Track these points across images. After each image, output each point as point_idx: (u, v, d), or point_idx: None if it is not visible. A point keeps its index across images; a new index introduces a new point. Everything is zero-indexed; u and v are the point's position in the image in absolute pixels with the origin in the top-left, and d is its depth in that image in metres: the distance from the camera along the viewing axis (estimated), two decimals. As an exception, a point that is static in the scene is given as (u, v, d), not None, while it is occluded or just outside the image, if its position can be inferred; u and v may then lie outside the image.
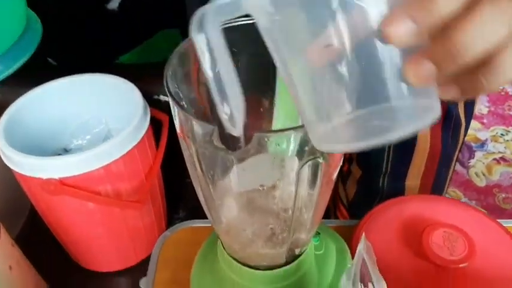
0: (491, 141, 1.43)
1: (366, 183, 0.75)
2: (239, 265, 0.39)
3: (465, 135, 0.75)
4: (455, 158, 0.75)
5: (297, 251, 0.38)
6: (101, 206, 0.69)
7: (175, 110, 0.31)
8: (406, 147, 0.70)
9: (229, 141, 0.39)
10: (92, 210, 0.70)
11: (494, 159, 1.37)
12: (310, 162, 0.30)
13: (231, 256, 0.39)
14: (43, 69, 0.89)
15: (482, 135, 1.46)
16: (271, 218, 0.37)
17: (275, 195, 0.38)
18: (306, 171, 0.32)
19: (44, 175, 0.63)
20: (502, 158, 1.37)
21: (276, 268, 0.38)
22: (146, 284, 0.53)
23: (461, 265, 0.47)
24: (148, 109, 0.71)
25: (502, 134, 1.45)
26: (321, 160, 0.30)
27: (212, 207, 0.38)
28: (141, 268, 0.82)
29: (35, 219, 0.81)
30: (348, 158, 0.77)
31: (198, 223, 0.59)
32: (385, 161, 0.71)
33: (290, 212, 0.34)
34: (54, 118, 0.78)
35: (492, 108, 1.53)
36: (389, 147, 0.70)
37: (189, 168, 0.37)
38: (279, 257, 0.37)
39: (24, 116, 0.74)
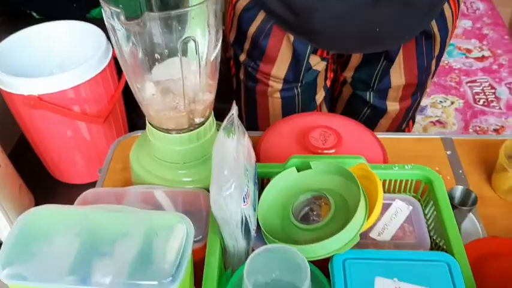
0: (431, 107, 1.61)
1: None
2: (157, 131, 0.56)
3: (442, 48, 0.79)
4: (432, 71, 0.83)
5: (196, 120, 0.56)
6: (71, 120, 0.86)
7: (107, 11, 0.48)
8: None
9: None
10: (64, 126, 0.88)
11: (431, 121, 1.55)
12: (187, 40, 0.47)
13: (151, 124, 0.56)
14: (27, 19, 1.06)
15: (423, 102, 1.64)
16: (177, 96, 0.55)
17: (181, 84, 0.55)
18: (186, 47, 0.49)
19: (25, 92, 0.80)
20: (438, 121, 1.56)
21: (183, 133, 0.56)
22: (103, 171, 0.70)
23: (330, 151, 0.64)
24: (111, 49, 0.89)
25: (440, 101, 1.63)
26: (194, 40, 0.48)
27: (141, 93, 0.56)
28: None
29: (23, 145, 0.98)
30: (342, 81, 0.86)
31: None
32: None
33: (184, 87, 0.52)
34: (38, 55, 0.95)
35: (435, 80, 1.71)
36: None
37: (123, 70, 0.54)
38: (182, 121, 0.55)
39: (13, 53, 0.91)
